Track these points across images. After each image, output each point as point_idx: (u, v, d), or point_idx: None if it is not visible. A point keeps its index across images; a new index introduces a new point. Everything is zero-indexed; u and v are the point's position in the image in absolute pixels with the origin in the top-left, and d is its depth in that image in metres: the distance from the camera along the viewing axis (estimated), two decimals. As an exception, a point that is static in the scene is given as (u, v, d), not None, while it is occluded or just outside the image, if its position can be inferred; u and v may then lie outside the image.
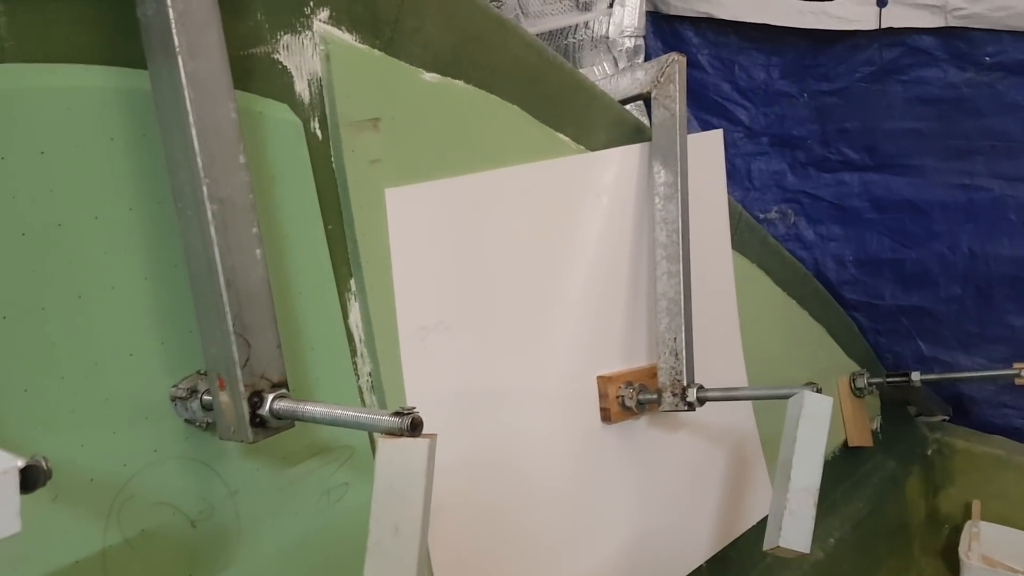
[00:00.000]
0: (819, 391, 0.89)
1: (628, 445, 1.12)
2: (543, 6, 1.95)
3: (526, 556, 0.96)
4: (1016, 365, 1.53)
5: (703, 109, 2.09)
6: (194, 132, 0.54)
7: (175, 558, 0.61)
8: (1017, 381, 1.52)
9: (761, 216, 2.08)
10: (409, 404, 0.83)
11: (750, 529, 1.29)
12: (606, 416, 1.07)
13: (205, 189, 0.54)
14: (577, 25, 2.00)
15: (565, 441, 1.04)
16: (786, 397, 0.91)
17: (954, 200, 1.80)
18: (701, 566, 1.22)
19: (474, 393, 0.92)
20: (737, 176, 2.14)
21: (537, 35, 1.90)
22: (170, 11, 0.53)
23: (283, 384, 0.58)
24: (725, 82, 2.07)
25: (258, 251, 0.57)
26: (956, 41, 1.68)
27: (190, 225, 0.56)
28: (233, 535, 0.65)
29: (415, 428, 0.49)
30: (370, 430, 0.51)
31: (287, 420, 0.57)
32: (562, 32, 1.99)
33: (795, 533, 0.82)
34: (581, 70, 1.90)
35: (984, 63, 1.67)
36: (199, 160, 0.54)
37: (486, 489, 0.92)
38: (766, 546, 0.85)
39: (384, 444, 0.49)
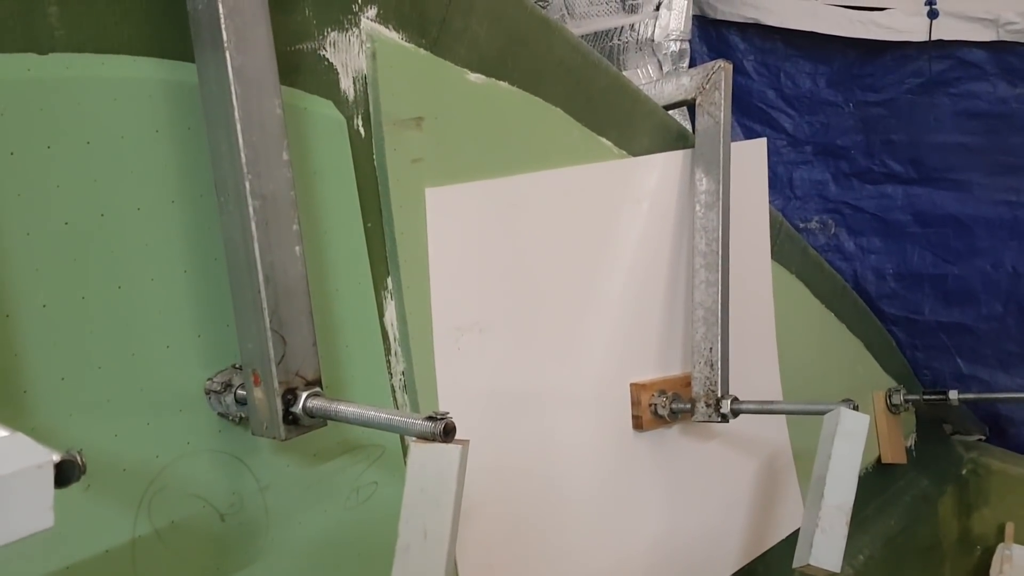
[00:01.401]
0: (856, 408, 0.88)
1: (659, 453, 1.11)
2: (589, 7, 1.94)
3: (553, 562, 0.95)
4: (1058, 388, 1.50)
5: (747, 115, 2.07)
6: (239, 127, 0.54)
7: (203, 551, 0.61)
8: (1058, 406, 1.49)
9: (801, 225, 2.06)
10: (441, 404, 0.84)
11: (779, 543, 1.28)
12: (638, 424, 1.06)
13: (248, 184, 0.54)
14: (623, 27, 1.99)
15: (596, 447, 1.03)
16: (822, 413, 0.90)
17: (999, 217, 1.77)
18: (728, 578, 1.21)
19: (507, 395, 0.91)
20: (779, 184, 2.11)
21: (582, 36, 1.90)
22: (220, 5, 0.53)
23: (317, 382, 0.58)
24: (770, 89, 2.04)
25: (297, 248, 0.57)
26: (1007, 56, 1.65)
27: (231, 220, 0.56)
28: (262, 529, 0.65)
29: (448, 434, 0.49)
30: (403, 433, 0.51)
31: (320, 419, 0.57)
32: (607, 34, 1.98)
33: (826, 551, 0.81)
34: (625, 73, 1.89)
35: (1035, 79, 1.65)
36: (243, 155, 0.54)
37: (515, 493, 0.92)
38: (796, 563, 0.84)
39: (416, 448, 0.49)
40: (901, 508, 1.64)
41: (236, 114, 0.53)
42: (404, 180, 0.77)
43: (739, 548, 1.22)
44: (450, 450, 0.48)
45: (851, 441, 0.85)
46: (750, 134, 2.06)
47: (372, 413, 0.53)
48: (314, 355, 0.58)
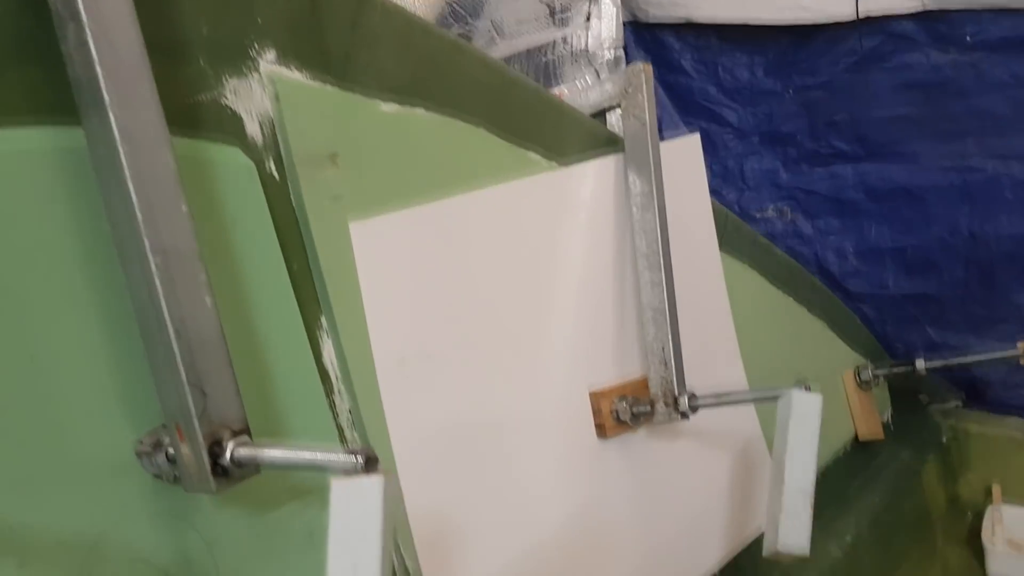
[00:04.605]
0: (808, 389, 0.88)
1: (628, 459, 1.11)
2: (518, 25, 1.95)
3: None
4: (1020, 344, 1.51)
5: (691, 113, 2.09)
6: (131, 185, 0.53)
7: (152, 615, 0.61)
8: (1022, 361, 1.50)
9: (758, 215, 2.08)
10: (392, 438, 0.83)
11: (763, 534, 1.27)
12: (601, 432, 1.06)
13: (147, 241, 0.54)
14: (555, 41, 2.00)
15: (562, 460, 1.02)
16: (775, 399, 0.90)
17: (949, 183, 1.78)
18: (714, 575, 1.20)
19: (462, 421, 0.91)
20: (731, 177, 2.13)
21: (514, 54, 1.91)
22: (98, 67, 0.52)
23: (244, 431, 0.57)
24: (711, 85, 2.06)
25: (208, 299, 0.57)
26: (935, 24, 1.67)
27: (136, 278, 0.55)
28: (213, 586, 0.65)
29: (369, 465, 0.49)
30: (327, 470, 0.51)
31: (250, 467, 0.57)
32: (540, 49, 1.99)
33: (793, 535, 0.81)
34: (562, 85, 1.90)
35: (966, 43, 1.66)
36: (138, 212, 0.53)
37: (484, 521, 0.91)
38: (765, 551, 0.84)
39: (337, 484, 0.48)
40: (884, 483, 1.64)
41: (126, 172, 0.53)
42: (325, 218, 0.77)
43: (721, 543, 1.21)
44: (372, 482, 0.47)
45: (806, 423, 0.85)
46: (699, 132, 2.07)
47: (296, 454, 0.53)
48: (238, 405, 0.58)
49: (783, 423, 0.85)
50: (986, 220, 1.75)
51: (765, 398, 0.94)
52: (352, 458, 0.49)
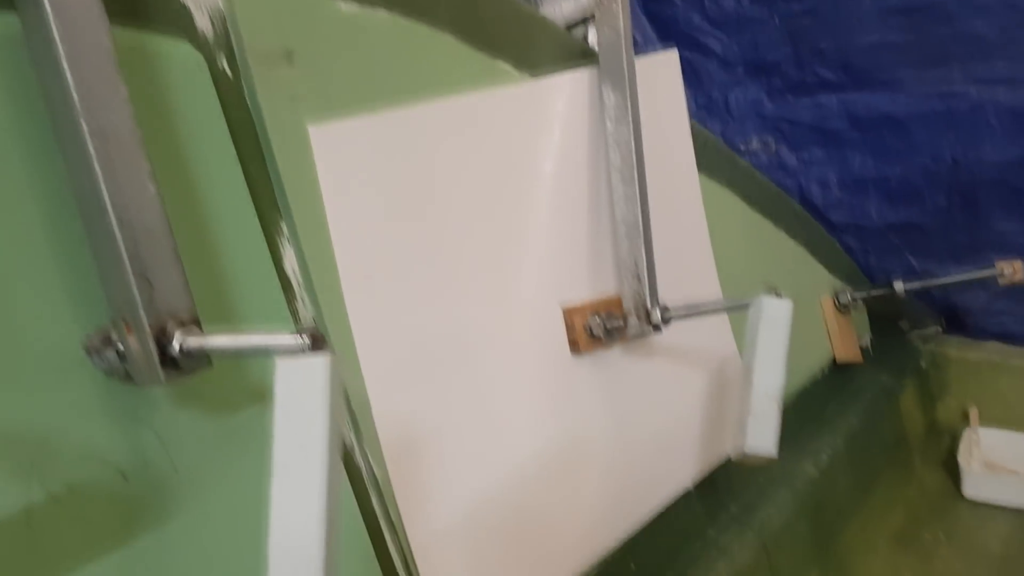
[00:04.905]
0: (779, 295, 0.87)
1: (602, 376, 1.10)
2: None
3: (506, 501, 0.94)
4: (998, 264, 1.50)
5: (676, 43, 2.05)
6: (66, 65, 0.51)
7: (108, 511, 0.60)
8: (1001, 281, 1.49)
9: (742, 147, 2.06)
10: (359, 349, 0.82)
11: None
12: (575, 348, 1.05)
13: (84, 124, 0.52)
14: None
15: (536, 378, 1.02)
16: (747, 307, 0.89)
17: (933, 110, 1.77)
18: (689, 491, 1.21)
19: (432, 336, 0.90)
20: (715, 109, 2.11)
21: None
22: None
23: (194, 322, 0.56)
24: (695, 13, 2.03)
25: (151, 186, 0.55)
26: (922, -55, 1.64)
27: (75, 164, 0.53)
28: (172, 486, 0.64)
29: (316, 344, 0.47)
30: (274, 353, 0.49)
31: (200, 358, 0.56)
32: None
33: (760, 437, 0.81)
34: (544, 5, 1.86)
35: (952, -36, 1.63)
36: (74, 93, 0.51)
37: (456, 435, 0.90)
38: (733, 454, 0.84)
39: (282, 364, 0.47)
40: (861, 406, 1.65)
41: (61, 52, 0.51)
42: (282, 119, 0.75)
43: (696, 460, 1.22)
44: (318, 362, 0.46)
45: (776, 327, 0.84)
46: (682, 63, 2.04)
47: (243, 339, 0.52)
48: (186, 296, 0.56)
49: (753, 328, 0.85)
50: (970, 147, 1.74)
51: (737, 307, 0.94)
52: (299, 338, 0.48)
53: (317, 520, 0.46)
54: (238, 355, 0.53)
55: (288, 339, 0.48)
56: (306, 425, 0.45)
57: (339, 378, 0.47)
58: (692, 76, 2.06)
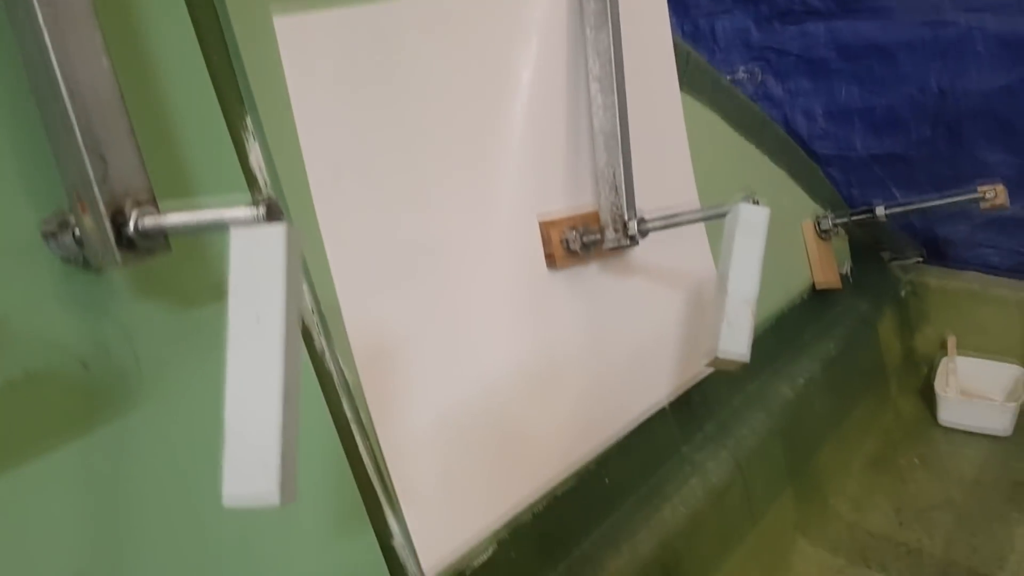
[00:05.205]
0: (756, 202, 0.86)
1: (579, 292, 1.09)
2: None
3: (480, 411, 0.94)
4: (980, 188, 1.49)
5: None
6: (10, -74, 0.49)
7: (68, 399, 0.59)
8: (982, 205, 1.49)
9: (728, 77, 2.04)
10: (329, 252, 0.80)
11: (715, 372, 1.28)
12: (551, 262, 1.04)
13: (31, -11, 0.49)
14: None
15: (511, 291, 1.01)
16: (724, 215, 0.88)
17: (920, 38, 1.75)
18: (664, 408, 1.21)
19: (404, 242, 0.88)
20: (702, 37, 2.09)
21: None
22: None
23: (151, 203, 0.55)
24: (681, -66, 1.99)
25: (104, 60, 0.53)
26: None
27: (25, 36, 0.51)
28: (134, 377, 0.63)
29: (271, 214, 0.46)
30: (230, 225, 0.48)
31: (158, 240, 0.54)
32: None
33: (734, 342, 0.80)
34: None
35: None
36: (20, -43, 0.49)
37: (428, 344, 0.89)
38: (706, 360, 0.83)
39: (236, 234, 0.45)
40: (840, 332, 1.65)
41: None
42: (247, 9, 0.72)
43: (672, 377, 1.22)
44: (274, 231, 0.45)
45: (752, 234, 0.83)
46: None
47: (199, 215, 0.50)
48: (142, 175, 0.55)
49: (730, 234, 0.84)
50: (956, 76, 1.73)
51: (714, 215, 0.92)
52: (254, 209, 0.46)
53: (274, 395, 0.45)
54: (196, 231, 0.51)
55: (243, 211, 0.47)
56: (263, 297, 0.44)
57: (297, 249, 0.45)
58: (679, 4, 2.03)
